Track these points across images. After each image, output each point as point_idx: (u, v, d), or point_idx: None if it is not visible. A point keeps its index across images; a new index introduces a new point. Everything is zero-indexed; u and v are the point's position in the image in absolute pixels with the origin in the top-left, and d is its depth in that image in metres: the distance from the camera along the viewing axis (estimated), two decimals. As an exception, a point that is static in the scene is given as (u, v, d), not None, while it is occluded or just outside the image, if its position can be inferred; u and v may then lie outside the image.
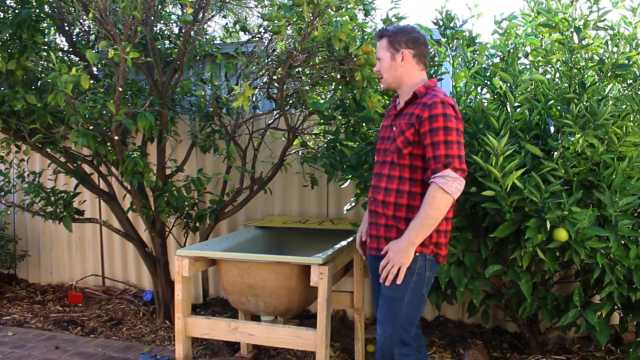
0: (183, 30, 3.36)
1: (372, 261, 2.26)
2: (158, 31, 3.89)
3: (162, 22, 3.91)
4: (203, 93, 3.60)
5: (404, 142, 2.06)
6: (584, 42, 2.61)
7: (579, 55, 2.66)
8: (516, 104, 2.67)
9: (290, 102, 3.48)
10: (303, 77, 3.10)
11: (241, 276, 2.65)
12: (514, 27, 2.85)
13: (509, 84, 2.64)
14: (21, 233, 5.04)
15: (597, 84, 2.58)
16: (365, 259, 2.38)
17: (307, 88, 3.15)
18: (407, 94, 2.15)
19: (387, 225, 2.11)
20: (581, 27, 2.58)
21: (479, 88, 3.00)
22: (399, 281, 2.01)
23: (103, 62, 3.73)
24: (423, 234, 1.98)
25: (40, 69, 3.58)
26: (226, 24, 4.54)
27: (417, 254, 2.03)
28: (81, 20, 3.95)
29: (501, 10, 3.01)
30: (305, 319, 3.91)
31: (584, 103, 2.47)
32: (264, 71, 3.07)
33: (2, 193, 4.16)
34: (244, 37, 4.32)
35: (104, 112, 3.18)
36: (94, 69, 3.99)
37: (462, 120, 2.09)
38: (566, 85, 2.74)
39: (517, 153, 2.52)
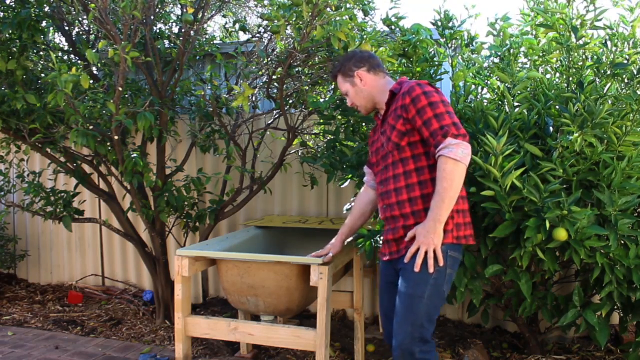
0: (183, 30, 3.36)
1: (386, 266, 2.23)
2: (158, 31, 3.89)
3: (162, 22, 3.92)
4: (203, 93, 3.60)
5: (399, 135, 2.06)
6: (581, 42, 2.61)
7: (576, 54, 2.66)
8: (515, 104, 2.67)
9: (290, 102, 3.48)
10: (303, 77, 3.10)
11: (241, 276, 2.65)
12: (508, 27, 2.85)
13: (507, 84, 2.64)
14: (21, 233, 5.04)
15: (595, 83, 2.58)
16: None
17: (307, 88, 3.16)
18: (385, 99, 2.18)
19: (406, 226, 2.08)
20: (578, 26, 2.58)
21: (479, 88, 3.00)
22: (441, 263, 1.96)
23: (103, 62, 3.73)
24: (447, 210, 1.93)
25: (40, 69, 3.59)
26: (226, 23, 4.54)
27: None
28: (81, 20, 3.95)
29: (501, 10, 3.00)
30: (305, 319, 3.91)
31: (582, 102, 2.47)
32: (263, 71, 3.07)
33: (2, 193, 4.16)
34: (243, 37, 4.32)
35: (104, 112, 3.18)
36: (94, 69, 3.99)
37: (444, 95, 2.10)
38: (565, 84, 2.74)
39: (517, 153, 2.52)
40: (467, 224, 2.09)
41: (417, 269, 1.97)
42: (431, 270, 1.96)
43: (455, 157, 1.90)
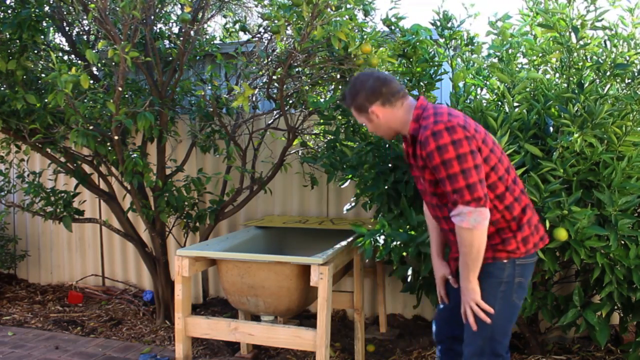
0: (183, 30, 3.36)
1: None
2: (158, 31, 3.89)
3: (162, 21, 3.92)
4: (203, 93, 3.61)
5: (431, 184, 1.97)
6: (581, 42, 2.61)
7: (576, 55, 2.66)
8: (515, 104, 2.67)
9: (290, 102, 3.48)
10: (303, 77, 3.10)
11: (241, 276, 2.65)
12: (509, 27, 2.85)
13: (506, 84, 2.64)
14: (21, 233, 5.04)
15: (595, 83, 2.58)
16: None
17: (307, 88, 3.16)
18: (407, 133, 2.02)
19: None
20: (579, 27, 2.58)
21: (478, 88, 3.00)
22: (487, 314, 1.92)
23: (103, 62, 3.73)
24: (474, 268, 1.88)
25: (40, 69, 3.58)
26: (226, 23, 4.54)
27: (505, 261, 1.94)
28: (81, 20, 3.95)
29: (500, 10, 3.00)
30: (305, 319, 3.91)
31: (582, 103, 2.47)
32: (263, 71, 3.07)
33: (2, 193, 4.16)
34: (243, 37, 4.32)
35: (104, 112, 3.18)
36: (94, 69, 3.99)
37: (467, 123, 1.89)
38: (564, 84, 2.74)
39: (517, 153, 2.52)
40: (535, 231, 2.00)
41: (473, 328, 1.94)
42: (488, 320, 1.92)
43: (468, 227, 1.82)
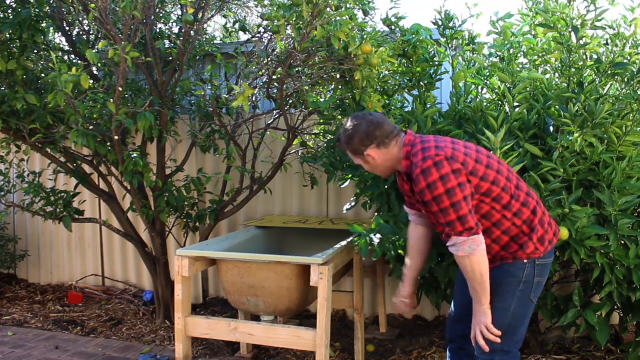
0: (183, 30, 3.36)
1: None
2: (158, 31, 3.89)
3: (162, 22, 3.92)
4: (203, 93, 3.60)
5: (433, 214, 2.00)
6: (581, 42, 2.61)
7: (577, 55, 2.66)
8: (515, 104, 2.67)
9: (290, 102, 3.48)
10: (303, 77, 3.10)
11: (241, 276, 2.65)
12: (510, 27, 2.85)
13: (507, 84, 2.64)
14: (21, 233, 5.04)
15: (595, 83, 2.58)
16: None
17: (307, 88, 3.15)
18: (402, 170, 2.09)
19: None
20: (579, 27, 2.58)
21: (479, 88, 3.00)
22: (496, 337, 1.97)
23: (103, 62, 3.73)
24: (483, 291, 1.95)
25: (40, 69, 3.58)
26: (226, 23, 4.54)
27: (526, 261, 1.98)
28: (81, 20, 3.95)
29: (501, 10, 3.00)
30: (305, 319, 3.91)
31: (582, 102, 2.47)
32: (263, 71, 3.07)
33: (2, 193, 4.16)
34: (243, 37, 4.32)
35: (104, 112, 3.18)
36: (94, 69, 3.99)
37: (455, 152, 1.93)
38: (565, 84, 2.74)
39: (513, 150, 2.52)
40: (548, 228, 2.04)
41: (485, 350, 1.99)
42: (498, 341, 1.97)
43: (464, 255, 1.90)
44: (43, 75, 3.56)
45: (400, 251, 2.62)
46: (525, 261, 1.98)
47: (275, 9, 2.81)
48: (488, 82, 2.91)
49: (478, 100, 2.76)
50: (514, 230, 1.99)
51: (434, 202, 1.90)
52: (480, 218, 1.97)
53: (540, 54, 2.78)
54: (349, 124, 2.09)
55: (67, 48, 3.95)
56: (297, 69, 3.06)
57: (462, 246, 1.90)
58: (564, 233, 2.34)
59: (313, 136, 3.72)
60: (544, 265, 2.02)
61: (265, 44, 3.47)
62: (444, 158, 1.90)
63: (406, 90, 3.08)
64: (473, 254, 1.89)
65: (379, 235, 2.61)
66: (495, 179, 1.95)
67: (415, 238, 2.29)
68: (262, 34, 3.90)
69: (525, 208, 1.99)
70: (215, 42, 4.35)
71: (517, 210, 1.98)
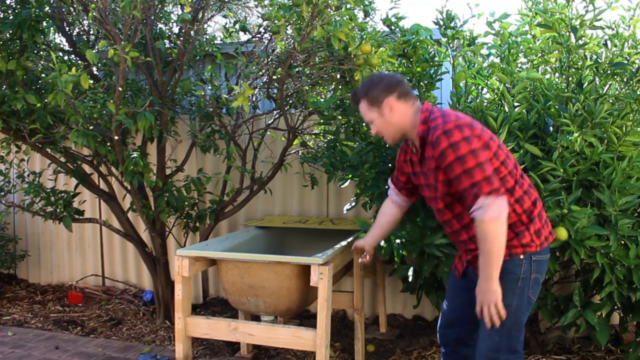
0: (183, 30, 3.36)
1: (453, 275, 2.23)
2: (158, 31, 3.90)
3: (162, 21, 3.92)
4: (203, 93, 3.61)
5: (445, 184, 1.97)
6: (580, 42, 2.61)
7: (576, 54, 2.66)
8: (515, 104, 2.67)
9: (290, 102, 3.48)
10: (303, 77, 3.10)
11: (241, 276, 2.65)
12: (507, 27, 2.85)
13: (506, 84, 2.64)
14: (21, 233, 5.04)
15: (594, 82, 2.58)
16: (364, 259, 2.37)
17: (307, 88, 3.16)
18: (415, 137, 2.03)
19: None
20: (577, 26, 2.58)
21: (479, 88, 3.00)
22: (503, 317, 1.91)
23: (103, 62, 3.73)
24: (495, 266, 1.87)
25: (40, 69, 3.58)
26: (226, 23, 4.54)
27: (522, 257, 1.95)
28: (81, 20, 3.95)
29: (501, 10, 3.00)
30: (305, 319, 3.91)
31: (581, 102, 2.47)
32: (263, 71, 3.07)
33: (2, 193, 4.16)
34: (243, 37, 4.32)
35: (104, 112, 3.18)
36: (94, 69, 3.99)
37: (474, 123, 1.92)
38: (564, 84, 2.74)
39: (515, 152, 2.52)
40: (545, 223, 2.03)
41: (488, 326, 1.93)
42: (497, 324, 1.92)
43: (489, 219, 1.83)
44: (43, 75, 3.57)
45: (403, 252, 2.62)
46: (522, 257, 1.95)
47: (275, 9, 2.82)
48: (488, 82, 2.91)
49: (478, 100, 2.76)
50: (513, 217, 1.94)
51: (457, 163, 1.84)
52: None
53: (539, 54, 2.78)
54: (371, 76, 2.08)
55: (67, 48, 3.95)
56: (297, 69, 3.06)
57: (489, 207, 1.82)
58: (562, 233, 2.34)
59: (313, 136, 3.72)
60: (539, 262, 1.99)
61: (265, 44, 3.47)
62: (465, 124, 1.88)
63: (406, 90, 3.07)
64: (499, 217, 1.83)
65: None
66: (504, 161, 1.93)
67: (385, 214, 2.31)
68: (262, 34, 3.90)
69: (526, 197, 1.97)
70: (215, 42, 4.35)
71: (519, 196, 1.95)
